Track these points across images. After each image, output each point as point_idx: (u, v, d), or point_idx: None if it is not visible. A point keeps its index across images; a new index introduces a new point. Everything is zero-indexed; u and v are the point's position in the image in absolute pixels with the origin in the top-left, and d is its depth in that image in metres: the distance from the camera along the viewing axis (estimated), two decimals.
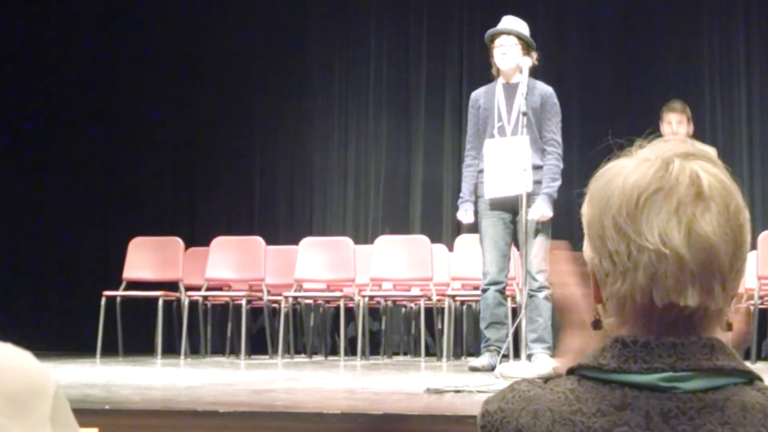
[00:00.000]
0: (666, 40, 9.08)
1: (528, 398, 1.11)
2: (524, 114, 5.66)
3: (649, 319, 1.10)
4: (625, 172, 1.11)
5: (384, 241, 8.27)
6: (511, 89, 6.17)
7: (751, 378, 1.10)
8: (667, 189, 1.08)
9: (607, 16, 9.01)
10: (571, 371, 1.13)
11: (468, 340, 8.54)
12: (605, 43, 9.12)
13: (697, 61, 9.10)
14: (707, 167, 1.11)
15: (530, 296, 5.99)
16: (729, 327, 1.14)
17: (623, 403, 1.07)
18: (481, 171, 6.19)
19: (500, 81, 6.25)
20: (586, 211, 1.15)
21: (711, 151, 1.08)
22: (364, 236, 9.17)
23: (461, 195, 6.33)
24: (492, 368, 5.89)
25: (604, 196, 1.12)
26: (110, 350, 7.68)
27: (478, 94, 6.33)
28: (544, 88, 6.18)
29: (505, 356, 6.06)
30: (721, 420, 1.05)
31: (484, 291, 6.19)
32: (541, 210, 5.99)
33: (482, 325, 6.23)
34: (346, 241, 8.37)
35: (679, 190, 1.08)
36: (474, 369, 5.99)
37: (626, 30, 9.06)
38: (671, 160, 1.10)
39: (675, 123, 6.96)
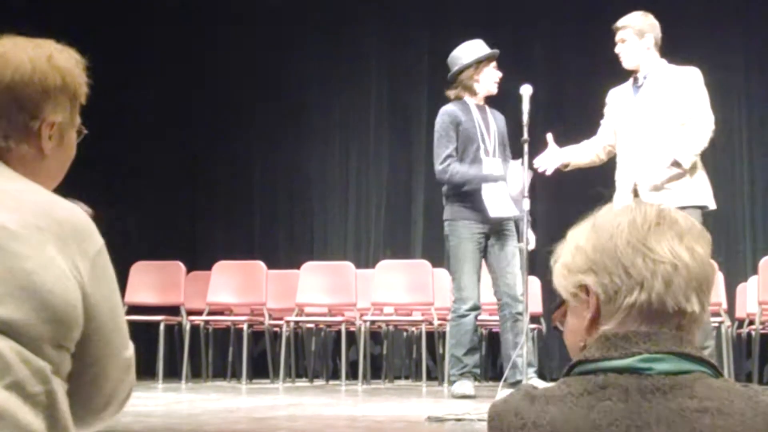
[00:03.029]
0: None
1: (527, 392, 1.29)
2: (525, 142, 5.67)
3: (650, 322, 1.27)
4: (626, 212, 1.32)
5: (385, 265, 8.28)
6: (482, 112, 6.35)
7: (717, 372, 1.27)
8: (667, 223, 1.30)
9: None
10: (566, 373, 1.30)
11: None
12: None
13: None
14: (688, 216, 1.35)
15: (515, 320, 6.09)
16: None
17: (605, 383, 1.23)
18: (462, 194, 6.20)
19: (473, 102, 6.32)
20: (585, 245, 1.31)
21: None
22: (365, 260, 9.17)
23: (477, 178, 6.21)
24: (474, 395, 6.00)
25: (612, 225, 1.30)
26: None
27: (455, 112, 6.29)
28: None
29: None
30: (690, 395, 1.21)
31: (464, 317, 6.16)
32: (533, 237, 6.05)
33: (460, 352, 6.17)
34: (348, 265, 8.37)
35: (677, 225, 1.30)
36: (463, 396, 5.98)
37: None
38: (661, 206, 1.33)
39: None
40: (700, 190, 5.23)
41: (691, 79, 5.29)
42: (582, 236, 1.32)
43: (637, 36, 5.35)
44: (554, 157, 5.63)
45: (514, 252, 6.22)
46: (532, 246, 5.96)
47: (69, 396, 1.45)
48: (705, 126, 5.22)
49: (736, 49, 9.04)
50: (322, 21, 9.83)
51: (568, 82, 9.01)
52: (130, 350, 1.60)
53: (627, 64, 5.40)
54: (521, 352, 5.87)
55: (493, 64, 6.37)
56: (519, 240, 6.04)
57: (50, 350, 1.40)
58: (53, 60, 1.57)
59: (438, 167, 6.24)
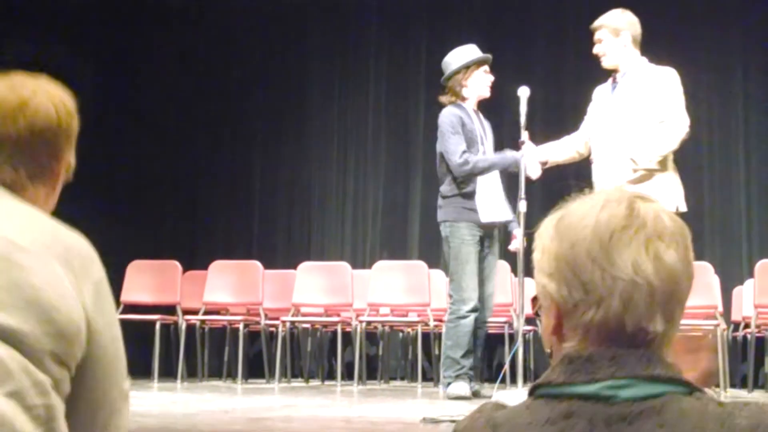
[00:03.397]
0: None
1: (491, 416, 1.21)
2: (523, 143, 5.68)
3: (611, 342, 1.18)
4: (594, 211, 1.21)
5: (382, 266, 8.28)
6: (478, 117, 6.39)
7: (691, 389, 1.17)
8: (636, 226, 1.19)
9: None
10: (530, 392, 1.22)
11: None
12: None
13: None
14: (664, 208, 1.23)
15: (479, 327, 6.27)
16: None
17: (569, 412, 1.15)
18: (466, 195, 6.21)
19: (469, 106, 6.33)
20: (550, 246, 1.22)
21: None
22: (361, 261, 9.17)
23: (501, 159, 6.23)
24: (473, 395, 6.00)
25: (576, 231, 1.20)
26: None
27: (459, 113, 6.29)
28: None
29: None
30: (659, 422, 1.12)
31: (464, 318, 6.15)
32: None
33: (457, 354, 6.14)
34: (344, 265, 8.38)
35: (646, 228, 1.19)
36: (459, 398, 5.98)
37: None
38: (634, 201, 1.21)
39: None
40: (669, 192, 5.08)
41: (666, 80, 5.17)
42: (547, 236, 1.24)
43: (612, 34, 5.27)
44: (533, 158, 5.65)
45: (497, 260, 6.36)
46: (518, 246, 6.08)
47: (65, 420, 1.46)
48: (675, 128, 5.09)
49: (735, 50, 9.04)
50: (322, 25, 9.85)
51: (565, 84, 9.01)
52: (128, 383, 1.62)
53: (605, 63, 5.32)
54: (511, 358, 5.99)
55: (485, 68, 6.34)
56: (507, 244, 6.29)
57: (52, 365, 1.41)
58: (68, 104, 1.65)
59: (457, 160, 6.14)
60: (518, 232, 6.09)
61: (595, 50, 5.33)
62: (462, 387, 6.07)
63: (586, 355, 1.18)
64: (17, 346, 1.37)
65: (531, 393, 1.21)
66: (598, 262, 1.17)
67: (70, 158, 1.66)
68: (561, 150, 5.63)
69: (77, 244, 1.51)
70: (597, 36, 5.33)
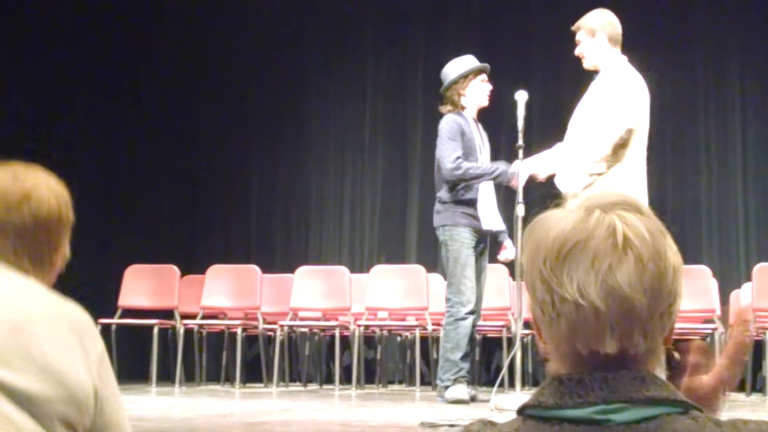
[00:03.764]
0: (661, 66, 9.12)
1: None
2: (520, 147, 5.71)
3: (579, 360, 1.14)
4: (550, 224, 1.15)
5: (380, 270, 8.28)
6: (477, 126, 6.45)
7: (687, 408, 1.12)
8: (585, 240, 1.11)
9: None
10: (519, 411, 1.17)
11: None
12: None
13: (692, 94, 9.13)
14: (627, 217, 1.13)
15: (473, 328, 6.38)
16: (669, 362, 1.21)
17: None
18: (468, 201, 6.25)
19: (469, 116, 6.36)
20: (523, 259, 1.18)
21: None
22: (359, 265, 9.17)
23: (492, 170, 6.23)
24: (471, 399, 6.02)
25: (533, 247, 1.15)
26: None
27: (460, 121, 6.33)
28: None
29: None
30: None
31: (463, 319, 6.20)
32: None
33: (456, 356, 6.18)
34: (342, 269, 8.38)
35: (596, 242, 1.11)
36: (457, 401, 5.99)
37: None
38: (592, 211, 1.13)
39: None
40: (622, 190, 4.99)
41: (611, 83, 5.07)
42: (524, 247, 1.18)
43: (588, 35, 5.21)
44: (523, 174, 5.64)
45: (486, 266, 6.46)
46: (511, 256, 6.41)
47: None
48: (608, 130, 4.95)
49: (733, 52, 9.04)
50: (320, 29, 9.85)
51: (564, 89, 9.01)
52: None
53: (585, 64, 5.27)
54: (510, 363, 6.07)
55: (483, 77, 6.40)
56: (496, 253, 6.48)
57: (62, 429, 1.46)
58: (66, 196, 1.73)
59: (449, 165, 6.19)
60: (508, 243, 6.41)
61: (576, 52, 5.29)
62: (461, 390, 6.08)
63: (576, 378, 1.13)
64: (29, 409, 1.43)
65: (519, 413, 1.17)
66: (548, 283, 1.12)
67: (66, 249, 1.74)
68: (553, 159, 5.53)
69: (81, 316, 1.58)
70: (577, 37, 5.29)
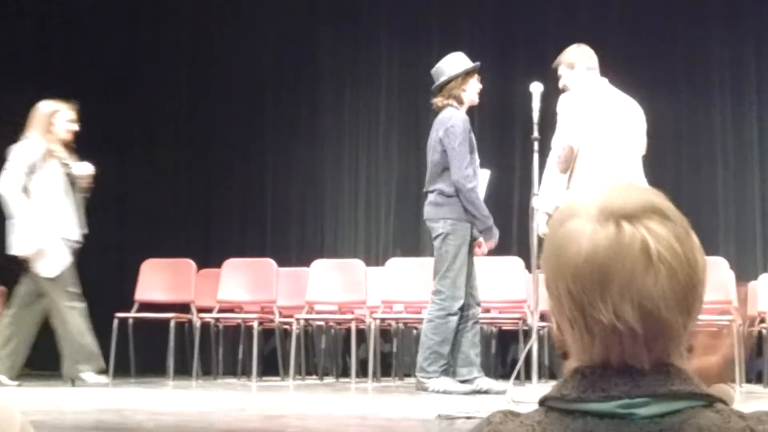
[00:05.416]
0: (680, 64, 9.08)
1: (498, 430, 1.14)
2: (536, 139, 5.71)
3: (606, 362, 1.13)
4: (580, 240, 1.12)
5: (395, 263, 8.29)
6: (467, 124, 6.50)
7: (711, 401, 1.12)
8: (618, 260, 1.09)
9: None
10: (540, 402, 1.16)
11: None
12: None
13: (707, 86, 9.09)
14: (656, 231, 1.11)
15: (476, 322, 6.48)
16: (689, 350, 1.18)
17: (584, 430, 1.10)
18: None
19: (464, 113, 6.45)
20: (543, 264, 1.16)
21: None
22: (375, 258, 9.18)
23: (486, 217, 6.38)
24: (486, 392, 6.20)
25: (558, 261, 1.13)
26: (122, 371, 7.70)
27: (466, 118, 6.44)
28: None
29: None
30: None
31: (454, 315, 6.30)
32: None
33: (445, 349, 6.30)
34: (358, 263, 8.38)
35: (630, 263, 1.09)
36: (446, 392, 6.13)
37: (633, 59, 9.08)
38: (620, 224, 1.10)
39: None
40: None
41: (560, 103, 5.63)
42: (546, 246, 1.16)
43: (568, 68, 5.80)
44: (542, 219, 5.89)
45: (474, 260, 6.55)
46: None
47: None
48: (552, 150, 5.61)
49: (749, 49, 9.02)
50: (334, 22, 9.85)
51: None
52: None
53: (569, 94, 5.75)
54: (476, 352, 6.39)
55: (476, 76, 6.53)
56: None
57: None
58: None
59: (464, 171, 6.23)
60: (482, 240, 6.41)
61: (560, 85, 5.82)
62: (448, 382, 6.24)
63: (599, 371, 1.12)
64: None
65: (541, 404, 1.16)
66: (578, 301, 1.11)
67: None
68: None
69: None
70: (558, 72, 5.84)
